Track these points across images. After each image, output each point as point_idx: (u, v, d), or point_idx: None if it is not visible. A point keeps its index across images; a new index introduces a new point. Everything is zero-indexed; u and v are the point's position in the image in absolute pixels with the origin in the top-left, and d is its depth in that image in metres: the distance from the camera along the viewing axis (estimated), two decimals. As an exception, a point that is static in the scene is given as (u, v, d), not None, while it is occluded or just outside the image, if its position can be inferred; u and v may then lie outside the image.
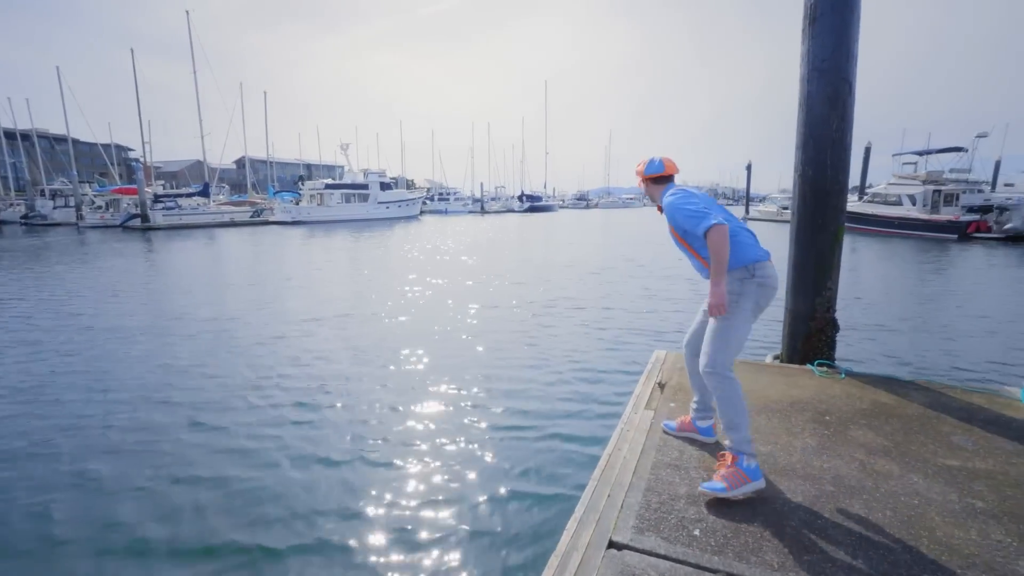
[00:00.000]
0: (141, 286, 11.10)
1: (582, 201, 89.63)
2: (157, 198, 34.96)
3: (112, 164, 45.38)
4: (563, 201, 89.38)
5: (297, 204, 40.59)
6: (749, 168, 41.29)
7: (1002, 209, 22.84)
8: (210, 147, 49.87)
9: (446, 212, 59.03)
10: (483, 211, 62.32)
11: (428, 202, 59.88)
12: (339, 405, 4.62)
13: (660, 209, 2.39)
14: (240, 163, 67.92)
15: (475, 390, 4.91)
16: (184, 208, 35.61)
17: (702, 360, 2.19)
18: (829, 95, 3.49)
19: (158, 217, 32.75)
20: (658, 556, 1.77)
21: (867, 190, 27.06)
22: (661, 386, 3.30)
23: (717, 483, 2.03)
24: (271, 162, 59.06)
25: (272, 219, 37.86)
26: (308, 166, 74.30)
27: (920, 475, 2.25)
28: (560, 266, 14.03)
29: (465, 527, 2.88)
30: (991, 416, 2.86)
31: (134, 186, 33.31)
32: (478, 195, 70.49)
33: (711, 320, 2.21)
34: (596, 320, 7.59)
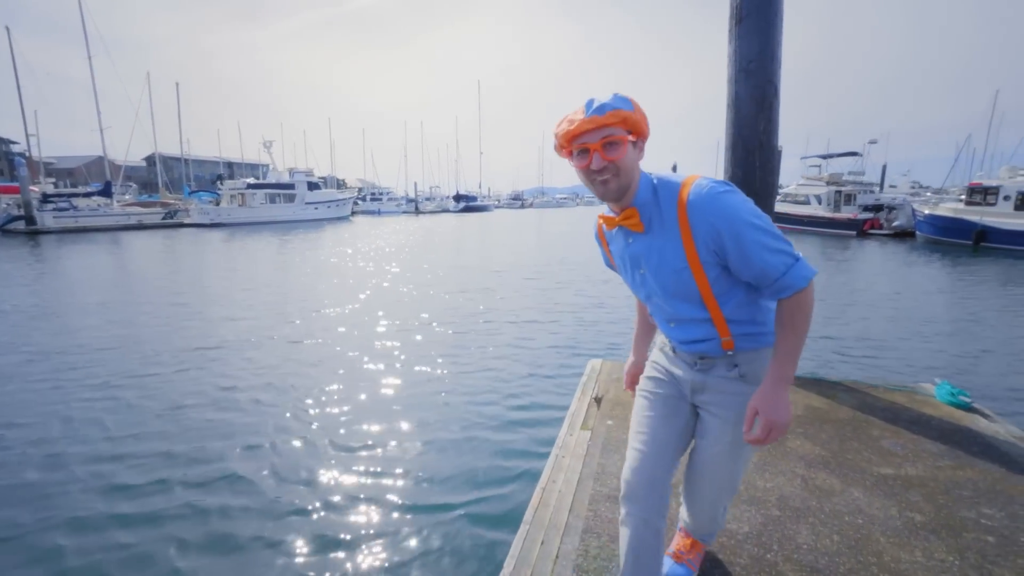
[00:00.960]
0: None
1: (517, 201, 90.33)
2: (47, 197, 31.10)
3: (-11, 159, 39.99)
4: (498, 201, 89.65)
5: (216, 205, 37.71)
6: (675, 169, 43.21)
7: (890, 208, 25.32)
8: (113, 142, 45.26)
9: (379, 212, 57.28)
10: (417, 211, 61.11)
11: (360, 202, 57.81)
12: (179, 487, 3.24)
13: (632, 215, 1.26)
14: (150, 160, 62.22)
15: (392, 413, 4.52)
16: (81, 209, 31.91)
17: (706, 511, 1.48)
18: (756, 97, 3.45)
19: (47, 219, 29.15)
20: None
21: (779, 190, 29.08)
22: (598, 401, 3.11)
23: (683, 570, 1.59)
24: (186, 160, 54.60)
25: (188, 221, 34.92)
26: (229, 165, 69.33)
27: (860, 488, 2.17)
28: (495, 272, 13.81)
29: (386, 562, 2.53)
30: (913, 416, 2.90)
31: (16, 184, 29.46)
32: (412, 195, 69.05)
33: (722, 444, 1.34)
34: (532, 330, 7.40)
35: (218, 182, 42.73)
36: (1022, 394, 4.87)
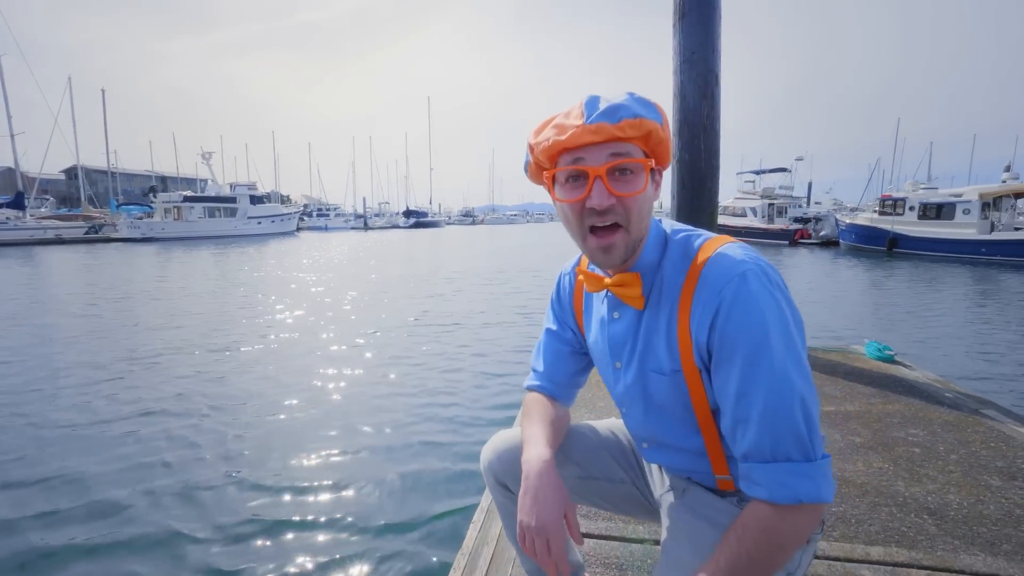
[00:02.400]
0: None
1: (468, 217, 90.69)
2: (-55, 210, 28.31)
3: None
4: (449, 217, 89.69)
5: (147, 219, 35.45)
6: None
7: (817, 219, 27.45)
8: (26, 151, 41.63)
9: (326, 228, 55.90)
10: (366, 227, 60.06)
11: (306, 218, 56.13)
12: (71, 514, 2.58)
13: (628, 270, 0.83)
14: (71, 173, 57.87)
15: (352, 412, 4.43)
16: (-13, 223, 29.22)
17: None
18: (699, 85, 3.73)
19: (-53, 234, 26.46)
20: (582, 536, 1.59)
21: (718, 204, 30.88)
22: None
23: None
24: (114, 173, 51.14)
25: (116, 236, 32.61)
26: (163, 179, 65.41)
27: (806, 421, 2.37)
28: (447, 279, 13.80)
29: (364, 539, 2.47)
30: (849, 369, 3.18)
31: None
32: (360, 211, 67.88)
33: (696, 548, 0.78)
34: (492, 331, 7.46)
35: (151, 194, 40.21)
36: (932, 350, 5.97)
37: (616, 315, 0.86)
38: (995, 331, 7.04)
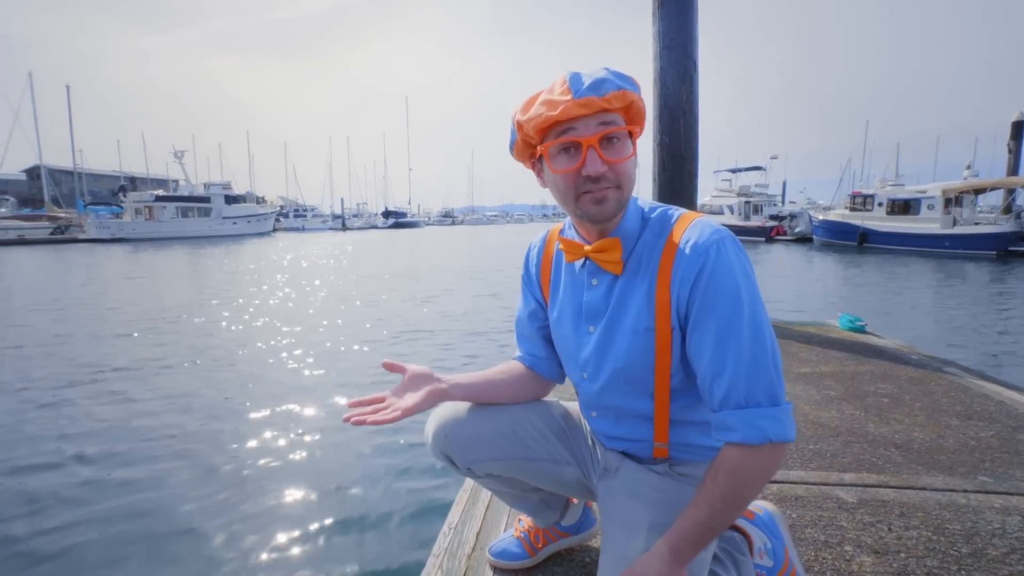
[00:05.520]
0: None
1: (448, 218, 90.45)
2: None
3: None
4: (428, 218, 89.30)
5: (116, 219, 34.38)
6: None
7: (792, 216, 28.22)
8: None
9: (303, 229, 55.09)
10: (344, 228, 59.40)
11: (283, 219, 55.18)
12: None
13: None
14: (32, 173, 55.74)
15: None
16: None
17: None
18: (678, 70, 3.86)
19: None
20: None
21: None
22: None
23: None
24: (80, 172, 49.52)
25: (83, 236, 31.60)
26: (131, 179, 63.23)
27: (786, 381, 2.50)
28: (434, 277, 13.80)
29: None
30: (824, 338, 3.35)
31: None
32: (338, 211, 67.10)
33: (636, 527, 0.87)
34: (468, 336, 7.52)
35: (120, 194, 38.93)
36: (898, 323, 6.66)
37: (594, 282, 0.91)
38: (963, 315, 7.43)
